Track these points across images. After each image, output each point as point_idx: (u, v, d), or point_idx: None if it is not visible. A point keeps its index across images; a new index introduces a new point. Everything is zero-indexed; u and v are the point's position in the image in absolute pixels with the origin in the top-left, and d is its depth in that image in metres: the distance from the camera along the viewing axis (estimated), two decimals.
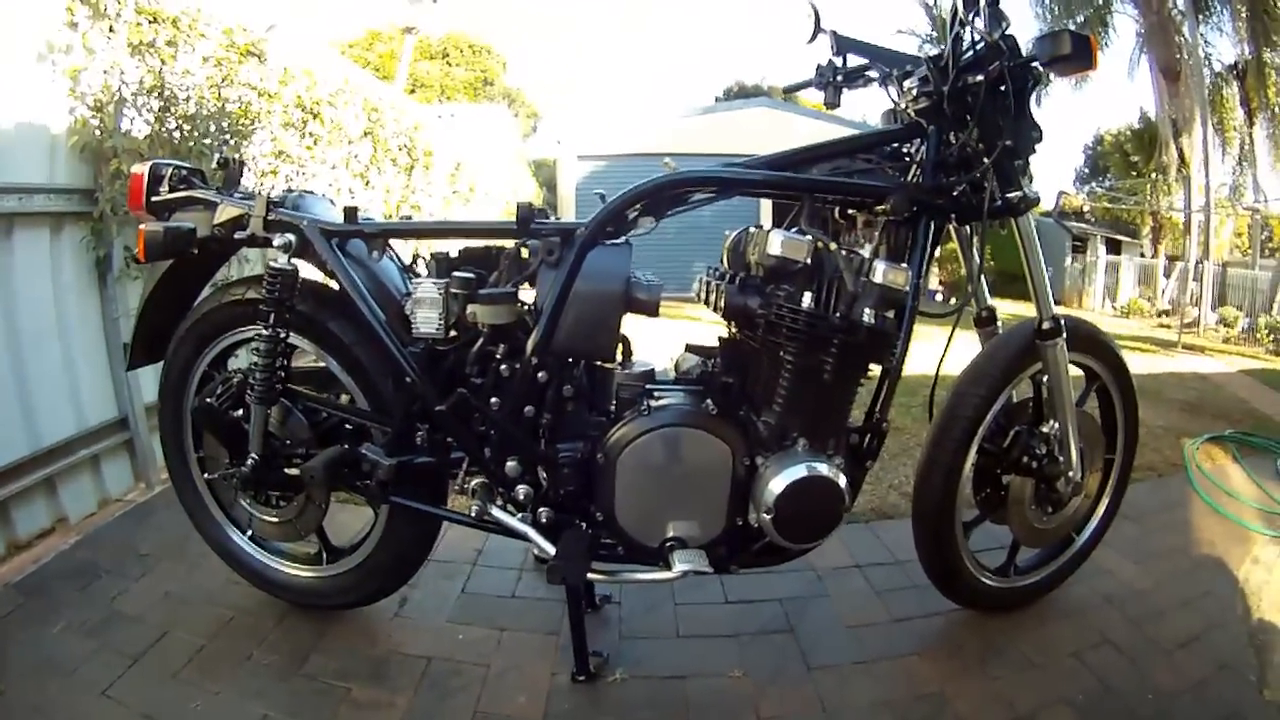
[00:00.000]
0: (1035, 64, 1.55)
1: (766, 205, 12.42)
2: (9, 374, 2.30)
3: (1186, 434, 4.00)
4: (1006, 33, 1.52)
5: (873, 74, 1.72)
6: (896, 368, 1.59)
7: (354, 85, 4.19)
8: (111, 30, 2.40)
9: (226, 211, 1.69)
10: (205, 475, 2.00)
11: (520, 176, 10.30)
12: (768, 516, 1.50)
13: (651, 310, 1.57)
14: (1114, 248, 14.35)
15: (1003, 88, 1.53)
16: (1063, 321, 1.83)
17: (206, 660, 1.87)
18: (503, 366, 1.58)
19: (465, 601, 2.15)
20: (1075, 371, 1.98)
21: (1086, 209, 15.33)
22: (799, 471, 1.49)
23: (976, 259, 1.80)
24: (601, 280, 1.52)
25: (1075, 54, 1.49)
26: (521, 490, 1.63)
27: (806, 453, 1.53)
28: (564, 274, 1.50)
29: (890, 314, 1.50)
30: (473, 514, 1.65)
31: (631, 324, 1.62)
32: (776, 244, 1.46)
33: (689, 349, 1.78)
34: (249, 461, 1.77)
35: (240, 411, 1.82)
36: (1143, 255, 13.82)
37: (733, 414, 1.60)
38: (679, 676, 1.83)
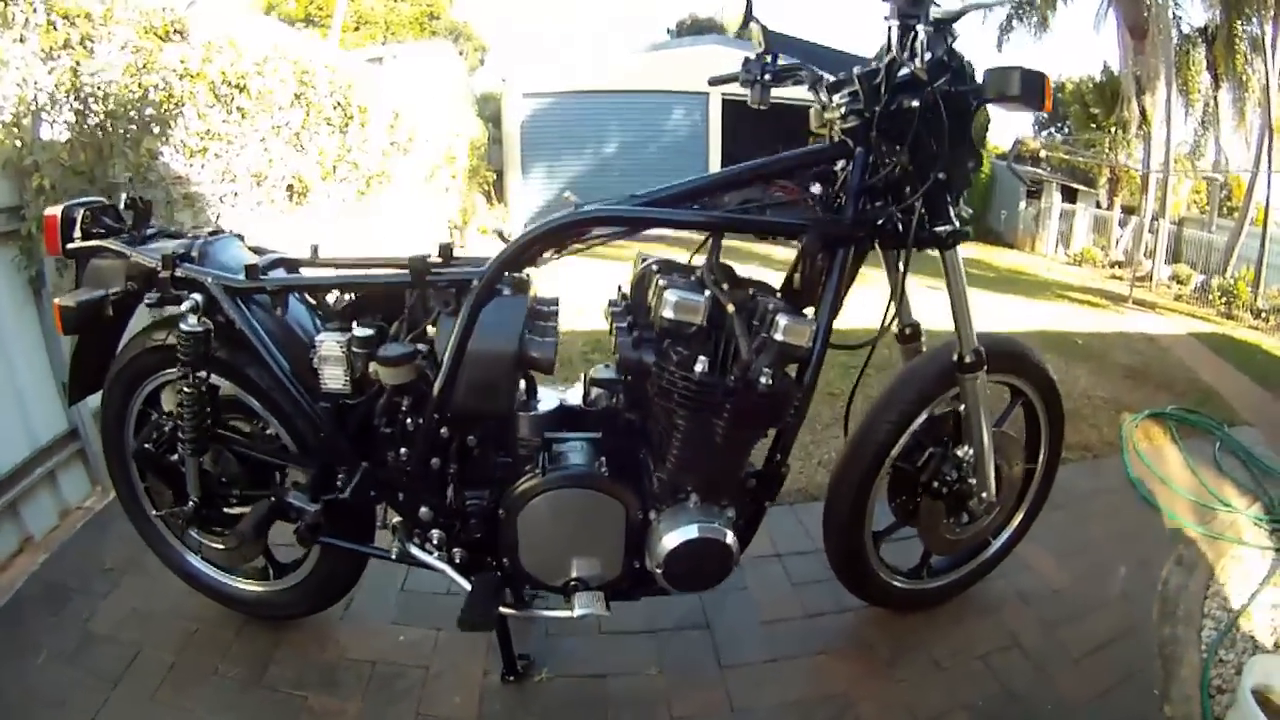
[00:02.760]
0: (977, 99, 1.47)
1: (715, 160, 12.22)
2: None
3: (1127, 407, 3.90)
4: (951, 49, 1.43)
5: (803, 75, 1.60)
6: (795, 421, 1.58)
7: (282, 51, 3.95)
8: (21, 39, 2.24)
9: (135, 267, 1.68)
10: (153, 512, 2.03)
11: (465, 117, 9.87)
12: (659, 570, 1.54)
13: (546, 368, 1.55)
14: (1070, 195, 14.47)
15: (940, 114, 1.43)
16: (983, 352, 1.77)
17: (178, 678, 1.96)
18: (408, 420, 1.58)
19: (404, 601, 2.23)
20: (1000, 389, 1.98)
21: (1043, 155, 15.32)
22: (689, 532, 1.50)
23: (900, 282, 1.72)
24: (495, 339, 1.50)
25: (1024, 94, 1.37)
26: (435, 534, 1.67)
27: (698, 509, 1.54)
28: (459, 330, 1.47)
29: (792, 369, 1.48)
30: (394, 554, 1.73)
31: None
32: (670, 307, 1.40)
33: (593, 381, 1.70)
34: (189, 504, 1.82)
35: (176, 455, 1.84)
36: (1098, 205, 13.97)
37: (627, 469, 1.60)
38: (600, 675, 1.93)
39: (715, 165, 12.16)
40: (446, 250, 1.62)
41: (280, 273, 1.73)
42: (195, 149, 3.30)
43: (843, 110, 1.49)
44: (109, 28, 2.60)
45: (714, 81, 1.90)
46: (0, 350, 2.40)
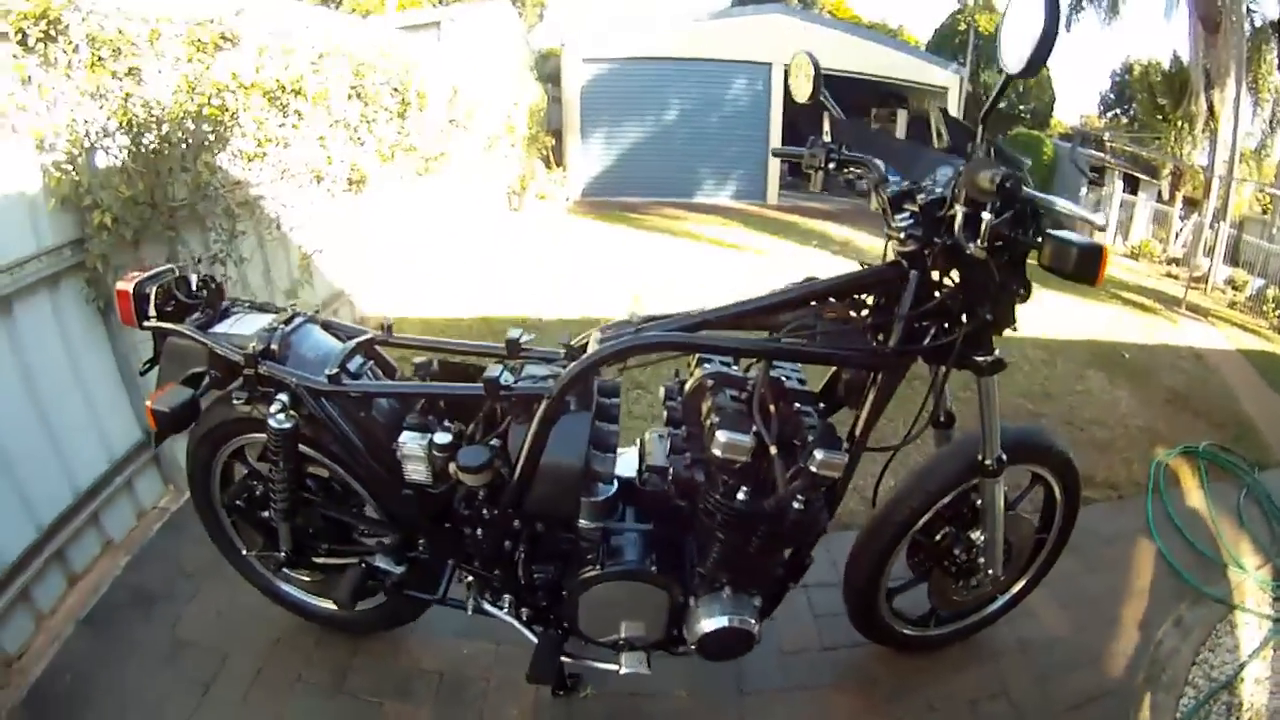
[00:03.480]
0: (1030, 254, 1.36)
1: (777, 131, 11.65)
2: (42, 438, 2.32)
3: (1162, 439, 3.71)
4: (1020, 213, 1.31)
5: (868, 173, 1.49)
6: (820, 529, 1.64)
7: (337, 45, 3.85)
8: (68, 75, 2.19)
9: (217, 361, 1.71)
10: (245, 552, 2.10)
11: (524, 82, 9.62)
12: (693, 646, 1.67)
13: (607, 480, 1.63)
14: (1132, 184, 13.35)
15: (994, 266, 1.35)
16: (1004, 459, 1.74)
17: (266, 683, 2.11)
18: (483, 510, 1.65)
19: (470, 618, 2.23)
20: (1022, 472, 1.98)
21: (1108, 140, 14.14)
22: (720, 622, 1.61)
23: (939, 384, 1.62)
24: (563, 455, 1.57)
25: (1078, 270, 1.27)
26: (505, 597, 1.81)
27: (730, 599, 1.63)
28: (530, 444, 1.55)
29: (821, 491, 1.53)
30: (469, 608, 1.86)
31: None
32: (720, 446, 1.45)
33: (649, 468, 1.69)
34: (281, 553, 1.92)
35: (266, 513, 1.93)
36: (1159, 196, 12.86)
37: (673, 557, 1.70)
38: (635, 694, 2.04)
39: (776, 137, 11.63)
40: (514, 345, 1.73)
41: (358, 361, 1.78)
42: (253, 154, 3.26)
43: (903, 235, 1.39)
44: (156, 48, 2.53)
45: (777, 154, 1.93)
46: (74, 373, 2.44)
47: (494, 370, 1.59)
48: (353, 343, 1.81)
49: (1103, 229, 10.51)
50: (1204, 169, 11.01)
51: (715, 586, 1.63)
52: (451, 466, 1.57)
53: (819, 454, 1.42)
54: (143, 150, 2.46)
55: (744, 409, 1.52)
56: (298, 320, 1.81)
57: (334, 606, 2.09)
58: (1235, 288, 9.04)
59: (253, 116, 3.12)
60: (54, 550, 2.33)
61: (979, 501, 1.83)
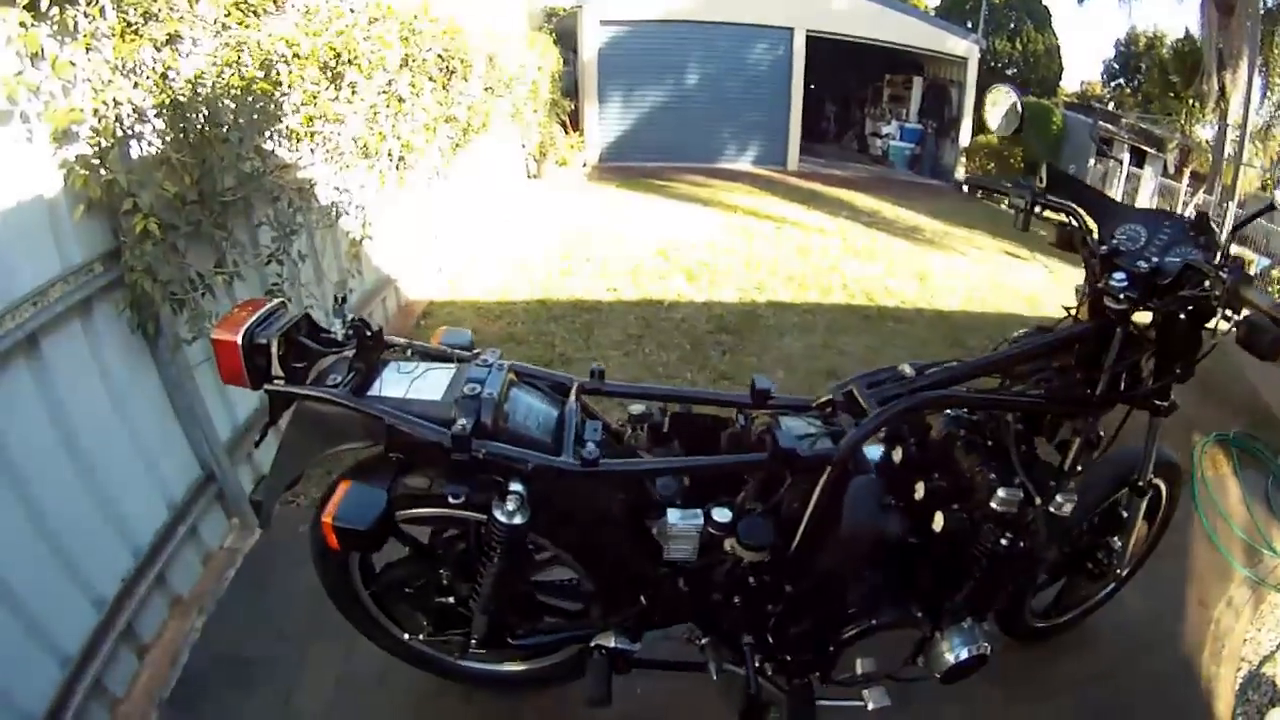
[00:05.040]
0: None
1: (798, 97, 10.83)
2: (88, 499, 1.78)
3: (1197, 426, 3.51)
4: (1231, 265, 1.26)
5: (1073, 224, 1.47)
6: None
7: (387, 5, 3.16)
8: (90, 48, 1.56)
9: (403, 442, 1.26)
10: (407, 636, 1.68)
11: (545, 46, 8.75)
12: (936, 675, 1.55)
13: (895, 540, 1.48)
14: (1138, 156, 12.67)
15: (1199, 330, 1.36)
16: (1154, 481, 1.78)
17: None
18: (749, 578, 1.45)
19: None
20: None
21: (1111, 107, 13.43)
22: (963, 653, 1.50)
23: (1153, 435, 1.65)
24: (861, 522, 1.40)
25: (1268, 352, 1.23)
26: (749, 653, 1.54)
27: (972, 630, 1.52)
28: (816, 510, 1.36)
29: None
30: (713, 674, 1.58)
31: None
32: (998, 501, 1.37)
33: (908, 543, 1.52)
34: (473, 642, 1.53)
35: (451, 599, 1.55)
36: (1166, 169, 12.21)
37: (936, 611, 1.55)
38: None
39: (798, 101, 10.82)
40: (762, 396, 1.51)
41: (596, 428, 1.42)
42: (303, 133, 2.63)
43: (1120, 296, 1.33)
44: (195, 9, 1.89)
45: (966, 183, 2.12)
46: (119, 413, 1.88)
47: (782, 425, 1.40)
48: (573, 401, 1.44)
49: None
50: (1212, 147, 10.54)
51: (958, 618, 1.52)
52: (728, 543, 1.36)
53: (1060, 498, 1.40)
54: (190, 135, 1.85)
55: (1006, 462, 1.42)
56: (494, 374, 1.32)
57: (510, 667, 1.77)
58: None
59: (304, 90, 2.48)
60: (122, 628, 1.82)
61: (1125, 515, 1.80)
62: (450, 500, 1.26)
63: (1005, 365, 1.48)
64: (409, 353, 1.42)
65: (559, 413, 1.40)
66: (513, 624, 1.55)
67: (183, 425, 2.14)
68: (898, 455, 1.54)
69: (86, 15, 1.52)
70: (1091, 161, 12.57)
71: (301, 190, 2.73)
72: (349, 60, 2.73)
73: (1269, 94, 10.70)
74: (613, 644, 1.53)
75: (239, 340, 1.18)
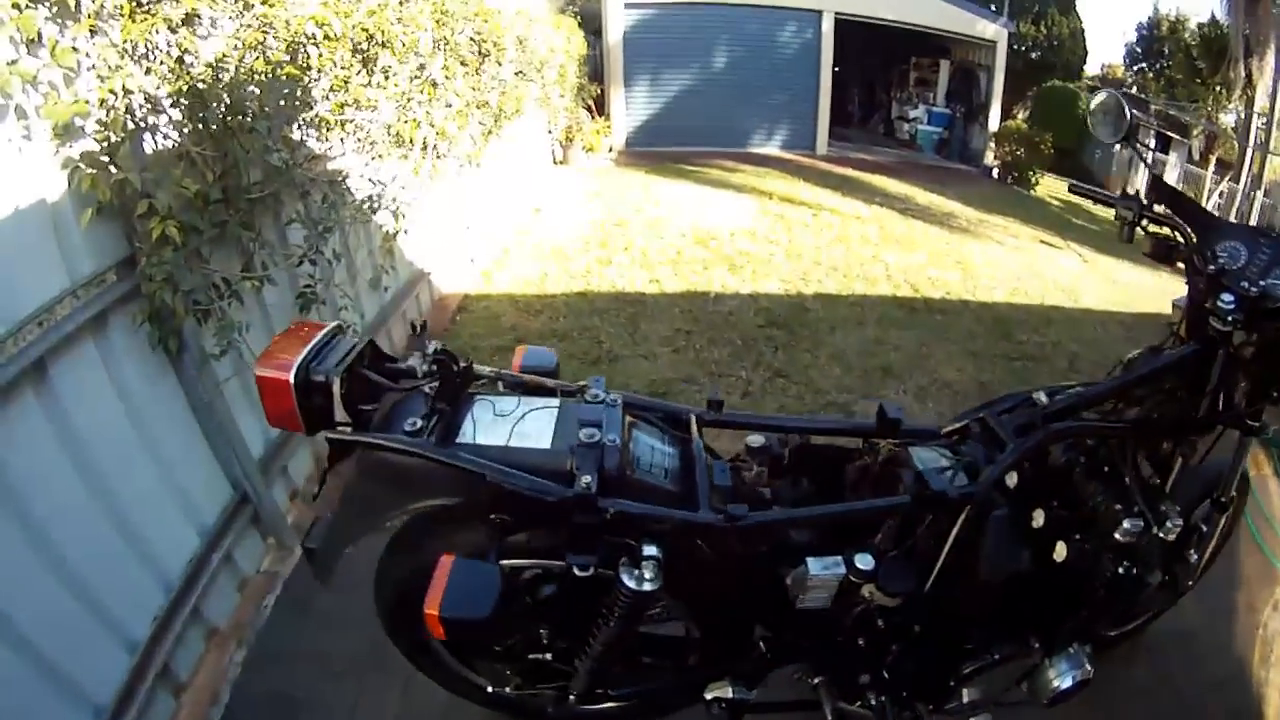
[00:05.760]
0: None
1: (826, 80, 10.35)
2: (112, 531, 1.56)
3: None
4: None
5: (1179, 240, 1.37)
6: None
7: None
8: (94, 30, 1.31)
9: (509, 503, 1.06)
10: (490, 689, 1.52)
11: (570, 28, 8.39)
12: (1043, 702, 1.45)
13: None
14: (1163, 142, 12.03)
15: None
16: (1235, 496, 1.68)
17: None
18: (878, 621, 1.34)
19: None
20: None
21: (1135, 91, 12.78)
22: (1070, 679, 1.41)
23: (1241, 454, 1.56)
24: (1000, 558, 1.29)
25: None
26: (870, 692, 1.45)
27: (1077, 655, 1.44)
28: (956, 548, 1.26)
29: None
30: (829, 715, 1.45)
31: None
32: (1123, 533, 1.28)
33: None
34: (572, 696, 1.37)
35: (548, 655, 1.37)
36: (1190, 155, 11.61)
37: (1048, 638, 1.46)
38: None
39: (826, 85, 10.27)
40: (890, 424, 1.37)
41: (724, 471, 1.27)
42: (334, 121, 2.37)
43: (1228, 318, 1.24)
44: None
45: (1077, 190, 1.68)
46: (143, 440, 1.66)
47: (915, 458, 1.30)
48: (698, 439, 1.26)
49: None
50: (1238, 134, 10.04)
51: (1067, 644, 1.45)
52: (866, 589, 1.25)
53: (1170, 523, 1.32)
54: (212, 126, 1.60)
55: (1123, 488, 1.33)
56: (609, 412, 1.15)
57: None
58: None
59: (335, 75, 2.22)
60: (158, 668, 1.62)
61: (1204, 526, 1.67)
62: (576, 572, 1.05)
63: (1129, 390, 1.36)
64: (499, 385, 1.20)
65: (679, 452, 1.24)
66: (616, 678, 1.41)
67: (212, 446, 1.92)
68: (1012, 480, 1.36)
69: None
70: (1117, 147, 11.97)
71: (334, 183, 2.48)
72: (382, 43, 2.46)
73: None
74: (730, 694, 1.38)
75: (291, 379, 0.96)
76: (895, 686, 1.43)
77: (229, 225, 1.73)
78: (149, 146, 1.54)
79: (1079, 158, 12.22)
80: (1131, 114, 1.43)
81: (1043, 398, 1.33)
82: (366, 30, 2.32)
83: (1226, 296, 1.23)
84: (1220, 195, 9.77)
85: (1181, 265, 1.36)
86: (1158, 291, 5.95)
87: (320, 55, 2.03)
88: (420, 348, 1.10)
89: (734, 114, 10.48)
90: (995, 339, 4.34)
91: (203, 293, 1.71)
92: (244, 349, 1.92)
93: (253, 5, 1.72)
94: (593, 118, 9.77)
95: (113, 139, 1.40)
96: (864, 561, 1.20)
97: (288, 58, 1.88)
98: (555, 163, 8.85)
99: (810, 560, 1.20)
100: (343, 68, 2.27)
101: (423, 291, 4.03)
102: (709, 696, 1.39)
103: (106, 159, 1.40)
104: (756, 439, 1.37)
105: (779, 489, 1.36)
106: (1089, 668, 1.43)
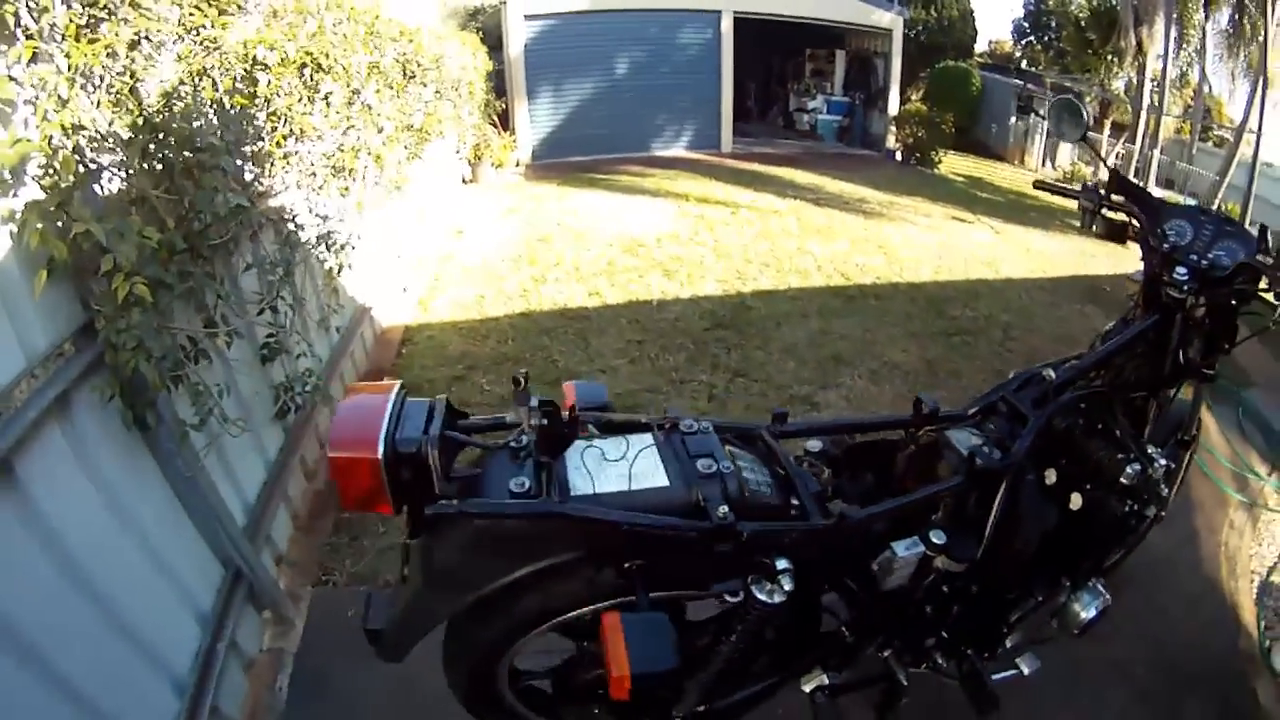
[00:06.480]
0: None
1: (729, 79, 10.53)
2: (113, 637, 1.32)
3: None
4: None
5: (1137, 223, 1.55)
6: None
7: (349, 8, 2.62)
8: (35, 56, 1.07)
9: (644, 545, 1.02)
10: None
11: (474, 45, 8.09)
12: (1074, 632, 1.56)
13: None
14: None
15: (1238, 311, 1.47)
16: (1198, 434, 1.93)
17: None
18: (942, 587, 1.43)
19: None
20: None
21: (1025, 64, 13.68)
22: (1094, 610, 1.53)
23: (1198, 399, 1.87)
24: (1035, 517, 1.43)
25: None
26: (936, 654, 1.55)
27: (1095, 587, 1.56)
28: (1001, 515, 1.34)
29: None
30: (903, 680, 1.52)
31: None
32: (1127, 476, 1.39)
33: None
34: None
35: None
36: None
37: (1073, 577, 1.59)
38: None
39: (728, 84, 10.42)
40: (927, 414, 1.40)
41: (809, 476, 1.30)
42: (278, 152, 2.12)
43: (1183, 288, 1.41)
44: (155, 5, 1.39)
45: (1039, 185, 1.83)
46: (129, 533, 1.40)
47: (954, 440, 1.39)
48: (782, 450, 1.27)
49: None
50: (1131, 98, 10.81)
51: (1088, 579, 1.57)
52: (939, 561, 1.32)
53: (1156, 464, 1.43)
54: (174, 164, 1.36)
55: (1117, 439, 1.45)
56: (710, 439, 1.15)
57: None
58: None
59: (283, 103, 1.98)
60: None
61: (1170, 464, 1.77)
62: (727, 599, 1.06)
63: (1112, 358, 1.53)
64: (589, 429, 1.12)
65: (767, 466, 1.25)
66: (720, 691, 1.40)
67: (196, 523, 1.66)
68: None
69: (31, 9, 1.02)
70: (1012, 120, 12.73)
71: (284, 221, 2.22)
72: (325, 68, 2.22)
73: (1184, 45, 11.00)
74: (826, 682, 1.47)
75: (380, 456, 0.84)
76: (956, 643, 1.53)
77: (195, 276, 1.49)
78: (98, 192, 1.29)
79: (973, 133, 12.74)
80: (1088, 114, 1.58)
81: (1050, 374, 1.46)
82: (310, 54, 2.09)
83: (1180, 270, 1.39)
84: (1118, 157, 10.46)
85: (1132, 244, 1.57)
86: (1071, 254, 6.34)
87: (269, 82, 1.79)
88: (523, 401, 1.01)
89: (638, 119, 10.46)
90: (931, 317, 4.48)
91: (172, 356, 1.46)
92: (216, 415, 1.66)
93: (198, 28, 1.48)
94: (498, 133, 9.50)
95: (62, 184, 1.15)
96: (938, 537, 1.28)
97: (239, 86, 1.64)
98: (464, 181, 8.52)
99: (894, 544, 1.27)
100: (286, 95, 2.04)
101: (366, 328, 3.74)
102: (808, 688, 1.46)
103: (55, 209, 1.15)
104: (814, 444, 1.42)
105: (843, 485, 1.42)
106: (1107, 596, 1.56)
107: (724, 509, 1.02)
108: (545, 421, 1.00)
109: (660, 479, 1.06)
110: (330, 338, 3.09)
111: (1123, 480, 1.40)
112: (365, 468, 0.87)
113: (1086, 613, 1.55)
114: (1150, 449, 1.45)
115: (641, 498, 1.02)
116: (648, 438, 1.15)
